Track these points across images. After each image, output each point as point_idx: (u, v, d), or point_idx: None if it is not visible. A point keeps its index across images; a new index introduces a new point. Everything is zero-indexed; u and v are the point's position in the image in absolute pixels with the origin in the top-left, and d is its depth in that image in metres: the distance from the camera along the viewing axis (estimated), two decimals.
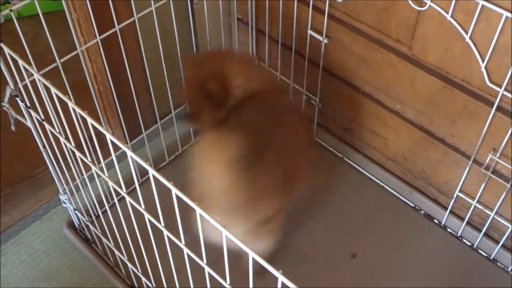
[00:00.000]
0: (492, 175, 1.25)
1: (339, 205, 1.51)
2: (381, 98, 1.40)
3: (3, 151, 1.64)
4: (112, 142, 0.85)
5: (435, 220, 1.47)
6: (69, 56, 1.19)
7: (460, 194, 1.37)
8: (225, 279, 0.81)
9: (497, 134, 1.19)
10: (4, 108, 1.07)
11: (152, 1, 1.27)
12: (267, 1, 1.47)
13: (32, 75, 0.97)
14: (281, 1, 1.43)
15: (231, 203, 0.99)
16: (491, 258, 1.39)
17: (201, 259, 0.85)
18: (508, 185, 1.23)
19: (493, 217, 1.32)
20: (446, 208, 1.44)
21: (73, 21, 1.26)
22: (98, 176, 1.02)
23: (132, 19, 1.27)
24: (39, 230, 1.50)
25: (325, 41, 1.40)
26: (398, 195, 1.53)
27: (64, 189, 1.31)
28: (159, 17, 1.30)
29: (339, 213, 1.49)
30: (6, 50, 0.96)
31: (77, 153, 1.04)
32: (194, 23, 1.55)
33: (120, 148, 0.84)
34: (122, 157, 1.39)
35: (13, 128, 1.10)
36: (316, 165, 1.58)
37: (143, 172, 1.48)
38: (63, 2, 1.22)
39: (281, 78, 1.63)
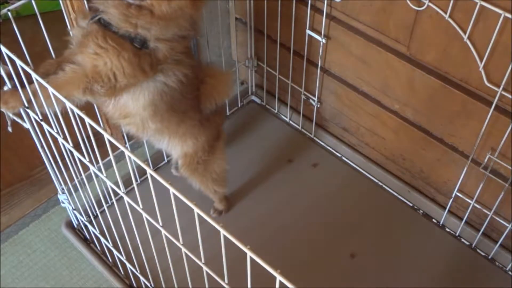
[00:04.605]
0: (490, 175, 1.25)
1: (337, 205, 1.50)
2: (379, 98, 1.41)
3: (2, 151, 1.63)
4: (110, 142, 0.85)
5: (434, 220, 1.47)
6: None
7: (458, 194, 1.37)
8: (223, 278, 0.81)
9: (495, 133, 1.19)
10: (2, 109, 1.06)
11: None
12: (265, 1, 1.47)
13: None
14: (279, 1, 1.43)
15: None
16: (490, 257, 1.39)
17: (199, 258, 0.85)
18: (507, 185, 1.23)
19: (491, 217, 1.32)
20: (444, 208, 1.44)
21: (71, 21, 1.26)
22: (97, 176, 1.02)
23: None
24: (37, 230, 1.50)
25: (324, 41, 1.40)
26: (396, 194, 1.53)
27: (63, 189, 1.31)
28: None
29: (337, 213, 1.49)
30: (4, 50, 0.96)
31: (75, 153, 1.04)
32: None
33: (119, 148, 0.84)
34: (120, 157, 1.40)
35: (9, 129, 1.10)
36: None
37: (141, 172, 1.48)
38: (61, 2, 1.22)
39: (279, 77, 1.63)
